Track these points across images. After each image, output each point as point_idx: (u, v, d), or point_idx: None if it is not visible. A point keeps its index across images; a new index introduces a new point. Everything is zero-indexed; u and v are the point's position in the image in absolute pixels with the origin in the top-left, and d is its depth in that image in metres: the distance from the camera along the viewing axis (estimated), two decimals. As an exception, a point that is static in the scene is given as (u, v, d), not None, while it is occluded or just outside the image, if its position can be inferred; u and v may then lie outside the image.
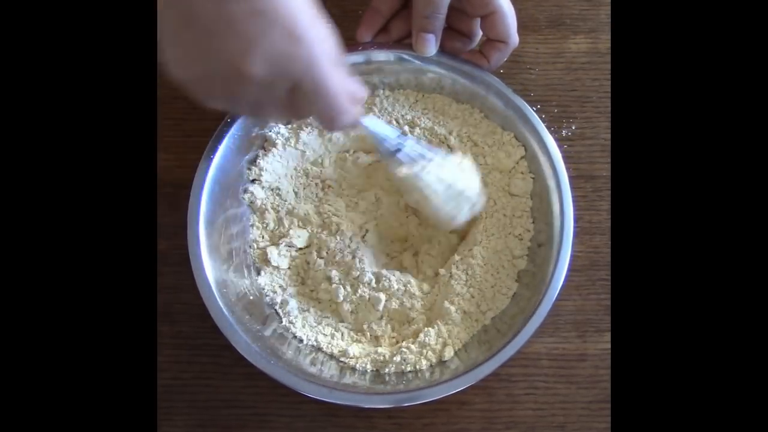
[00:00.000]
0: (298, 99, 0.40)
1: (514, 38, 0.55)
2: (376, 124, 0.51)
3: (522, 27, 0.65)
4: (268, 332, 0.53)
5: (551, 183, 0.55)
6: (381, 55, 0.57)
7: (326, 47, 0.40)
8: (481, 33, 0.57)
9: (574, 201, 0.54)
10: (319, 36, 0.39)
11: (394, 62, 0.58)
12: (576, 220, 0.53)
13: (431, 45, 0.55)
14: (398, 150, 0.51)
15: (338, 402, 0.50)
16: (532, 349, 0.56)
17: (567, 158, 0.58)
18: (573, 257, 0.58)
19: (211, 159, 0.54)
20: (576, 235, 0.53)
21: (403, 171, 0.51)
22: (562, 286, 0.51)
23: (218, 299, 0.51)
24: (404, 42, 0.57)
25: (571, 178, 0.54)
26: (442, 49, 0.56)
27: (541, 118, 0.57)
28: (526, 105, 0.57)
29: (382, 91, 0.60)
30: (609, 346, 0.56)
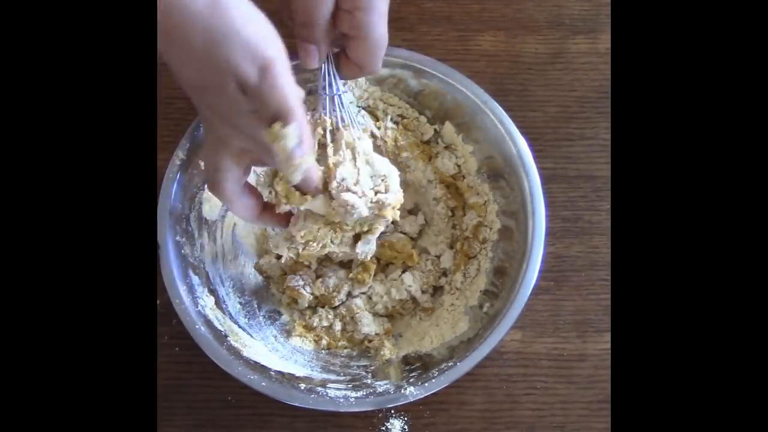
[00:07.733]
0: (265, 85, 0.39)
1: (376, 33, 0.49)
2: None
3: (522, 27, 0.65)
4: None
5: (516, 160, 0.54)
6: None
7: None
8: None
9: (542, 176, 0.53)
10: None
11: None
12: (547, 213, 0.53)
13: (313, 55, 0.50)
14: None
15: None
16: (532, 349, 0.56)
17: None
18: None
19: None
20: (548, 216, 0.53)
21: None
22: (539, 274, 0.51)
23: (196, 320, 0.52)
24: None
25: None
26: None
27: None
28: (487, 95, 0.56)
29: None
30: (609, 346, 0.56)
